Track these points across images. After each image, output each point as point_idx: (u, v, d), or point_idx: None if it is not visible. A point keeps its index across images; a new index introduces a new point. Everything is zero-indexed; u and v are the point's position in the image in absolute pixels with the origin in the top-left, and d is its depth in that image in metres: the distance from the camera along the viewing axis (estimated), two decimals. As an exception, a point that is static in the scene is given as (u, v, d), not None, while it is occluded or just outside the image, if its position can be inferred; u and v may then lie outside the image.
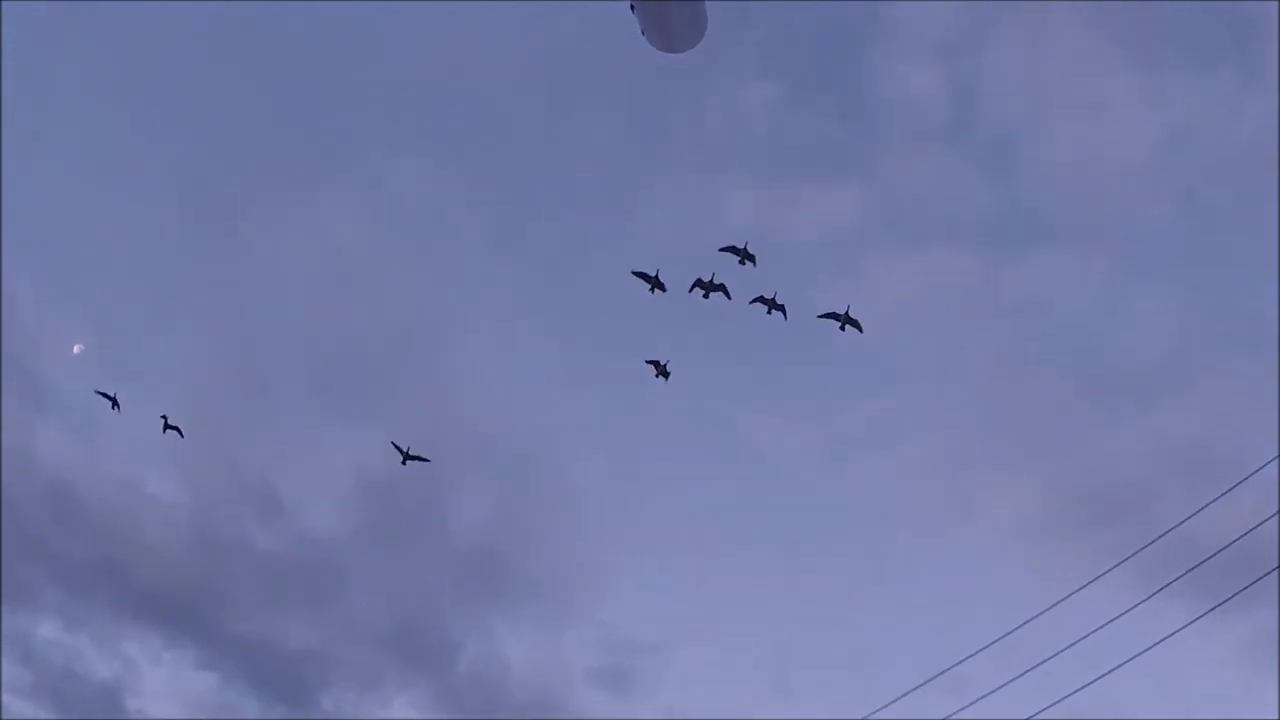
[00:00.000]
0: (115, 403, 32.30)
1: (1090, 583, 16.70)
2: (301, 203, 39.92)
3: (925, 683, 18.10)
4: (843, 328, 29.22)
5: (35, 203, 38.55)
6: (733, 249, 28.82)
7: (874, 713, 18.95)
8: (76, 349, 41.98)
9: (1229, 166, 42.33)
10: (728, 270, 29.14)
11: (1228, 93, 43.58)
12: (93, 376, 39.80)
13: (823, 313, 28.93)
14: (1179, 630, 15.40)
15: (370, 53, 38.61)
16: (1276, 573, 14.51)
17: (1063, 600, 16.78)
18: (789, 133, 39.76)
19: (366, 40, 38.02)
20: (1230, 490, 15.18)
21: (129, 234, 40.37)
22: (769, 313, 29.62)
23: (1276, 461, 14.75)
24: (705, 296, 29.05)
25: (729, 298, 28.87)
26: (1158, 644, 15.59)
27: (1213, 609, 15.15)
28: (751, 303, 28.64)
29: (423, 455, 33.59)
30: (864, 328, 29.45)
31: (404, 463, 32.73)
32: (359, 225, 40.59)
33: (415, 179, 40.40)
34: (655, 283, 29.07)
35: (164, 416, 32.58)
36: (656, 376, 30.19)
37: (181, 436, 32.61)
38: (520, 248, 40.49)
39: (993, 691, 17.05)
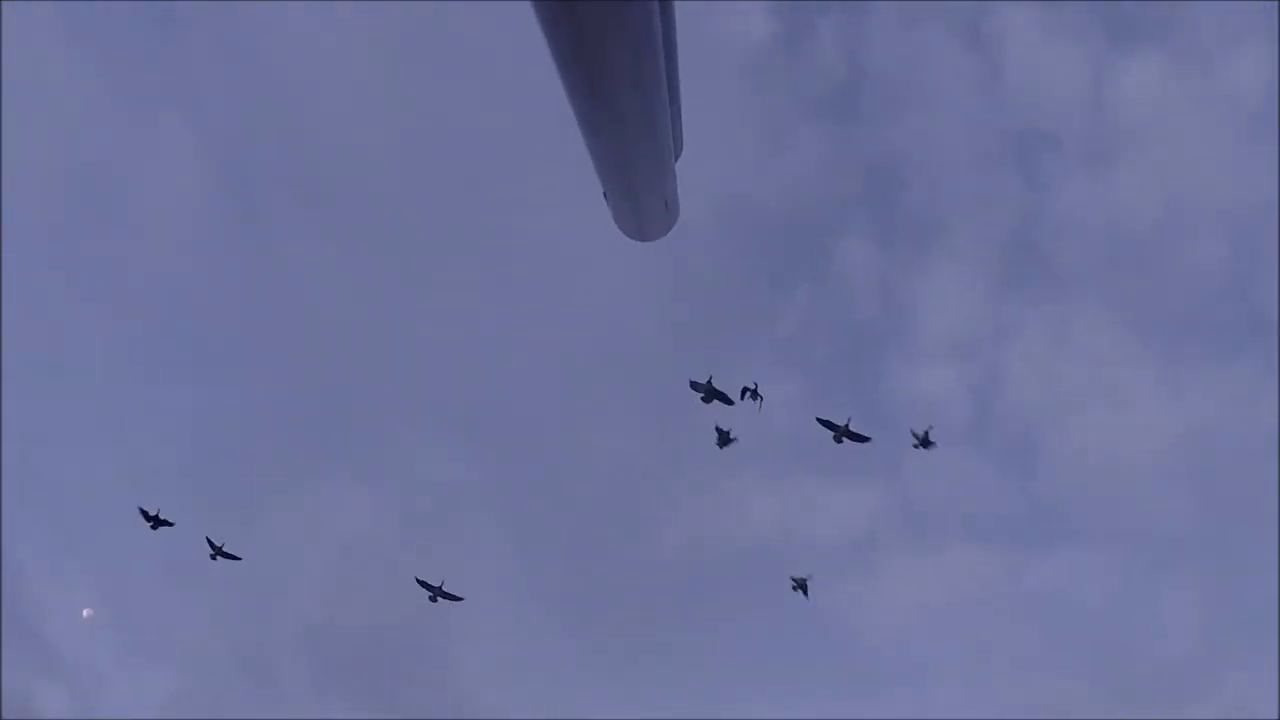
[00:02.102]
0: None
1: None
2: (319, 482, 40.42)
3: None
4: (839, 440, 29.46)
5: (50, 471, 39.19)
6: (748, 390, 29.46)
7: None
8: (86, 615, 41.69)
9: (1249, 459, 42.64)
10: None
11: (1247, 386, 44.45)
12: (99, 643, 39.25)
13: (821, 418, 29.10)
14: None
15: (395, 341, 40.01)
16: None
17: None
18: (810, 432, 40.52)
19: (392, 329, 39.46)
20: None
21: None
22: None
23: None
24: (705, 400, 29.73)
25: (757, 398, 29.19)
26: None
27: None
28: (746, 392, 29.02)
29: (455, 594, 32.56)
30: (870, 439, 29.41)
31: (433, 599, 32.05)
32: (375, 509, 40.98)
33: (433, 466, 41.06)
34: (710, 391, 29.55)
35: (213, 545, 32.43)
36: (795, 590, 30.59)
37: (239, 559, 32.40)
38: (537, 541, 40.64)
39: None
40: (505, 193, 39.42)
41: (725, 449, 30.70)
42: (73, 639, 40.78)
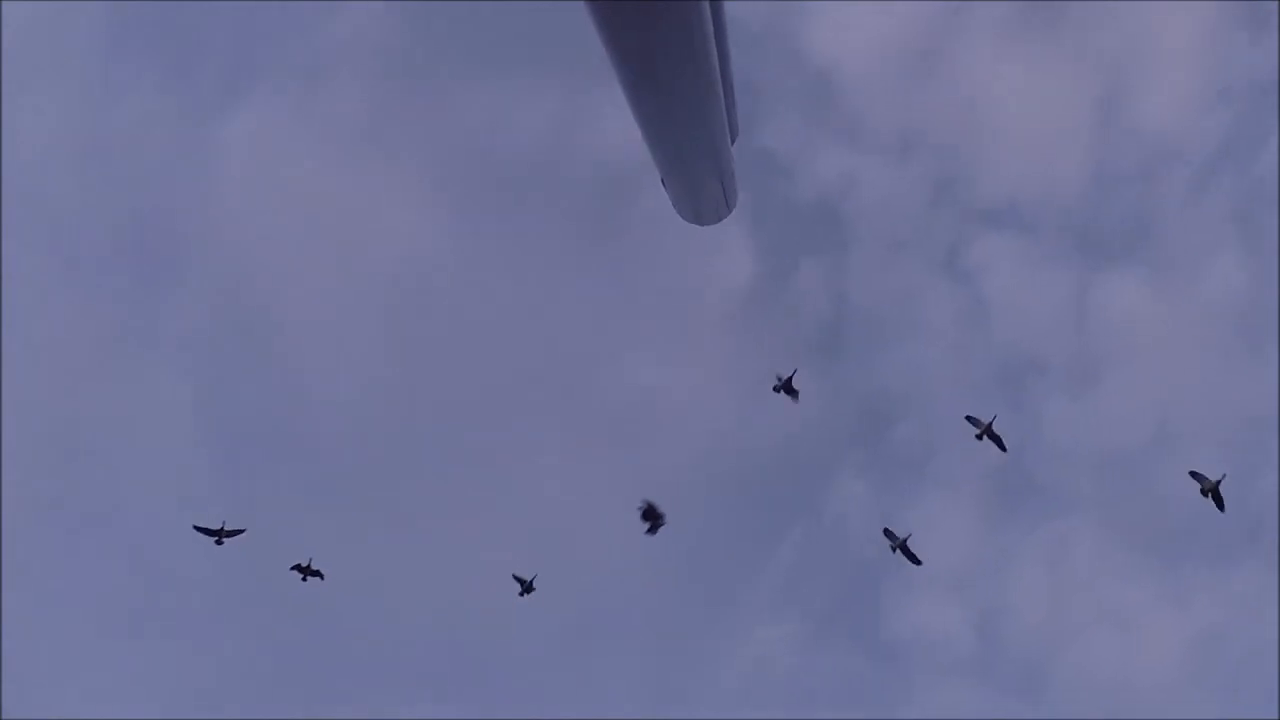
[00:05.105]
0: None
1: None
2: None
3: None
4: (894, 551, 31.11)
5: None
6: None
7: None
8: None
9: (1258, 662, 42.15)
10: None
11: (1249, 592, 44.43)
12: None
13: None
14: None
15: (383, 596, 39.80)
16: None
17: None
18: (811, 673, 40.81)
19: (380, 585, 39.26)
20: None
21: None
22: None
23: None
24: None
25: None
26: None
27: None
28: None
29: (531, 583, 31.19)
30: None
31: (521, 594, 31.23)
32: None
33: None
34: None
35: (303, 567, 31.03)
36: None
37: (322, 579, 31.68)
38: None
39: None
40: (501, 449, 41.25)
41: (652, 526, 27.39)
42: None
